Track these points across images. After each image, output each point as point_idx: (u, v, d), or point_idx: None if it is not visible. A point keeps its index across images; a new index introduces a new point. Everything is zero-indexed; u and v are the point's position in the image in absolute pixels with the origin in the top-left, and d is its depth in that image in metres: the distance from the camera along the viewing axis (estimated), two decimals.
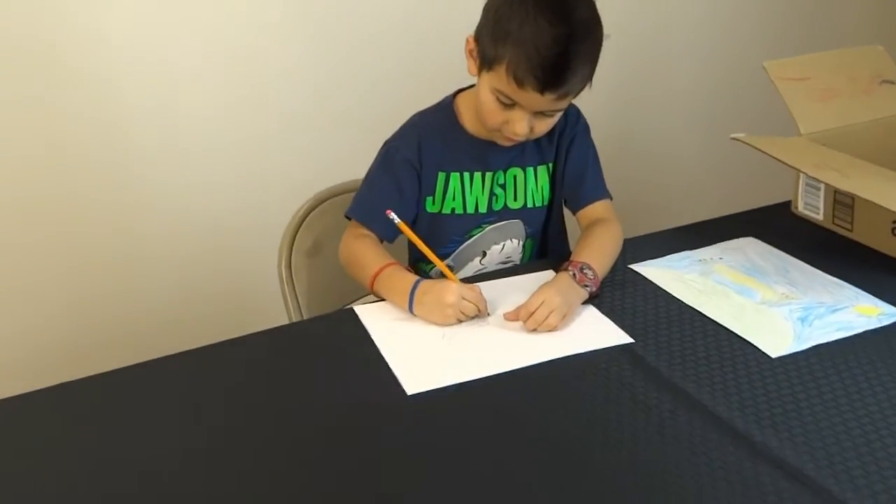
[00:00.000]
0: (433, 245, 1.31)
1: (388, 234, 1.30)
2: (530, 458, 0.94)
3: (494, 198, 1.35)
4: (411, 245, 1.36)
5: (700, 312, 1.25)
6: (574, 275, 1.23)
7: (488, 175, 1.34)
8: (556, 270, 1.27)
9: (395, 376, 1.10)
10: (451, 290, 1.16)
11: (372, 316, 1.23)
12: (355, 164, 1.39)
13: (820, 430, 0.98)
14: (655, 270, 1.35)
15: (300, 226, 1.50)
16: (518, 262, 1.43)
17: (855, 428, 0.98)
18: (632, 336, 1.18)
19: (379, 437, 0.98)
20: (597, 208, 1.39)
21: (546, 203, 1.39)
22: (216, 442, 0.98)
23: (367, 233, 1.30)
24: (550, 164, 1.38)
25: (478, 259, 1.41)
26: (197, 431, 1.00)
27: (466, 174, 1.33)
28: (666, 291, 1.31)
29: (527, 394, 1.06)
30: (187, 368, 1.13)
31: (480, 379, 1.09)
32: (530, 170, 1.37)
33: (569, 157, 1.37)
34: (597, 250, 1.29)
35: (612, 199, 1.40)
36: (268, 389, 1.09)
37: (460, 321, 1.19)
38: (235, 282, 1.99)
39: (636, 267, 1.38)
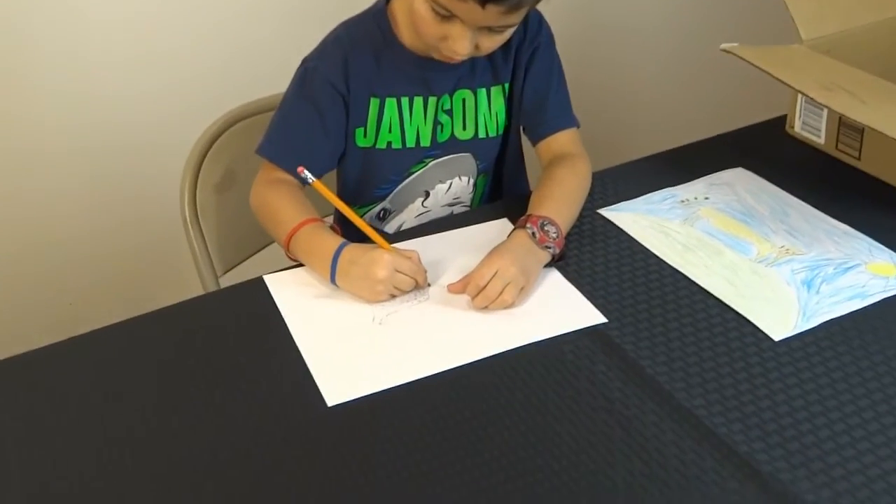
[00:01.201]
0: (366, 186, 1.16)
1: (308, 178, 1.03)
2: (478, 482, 0.77)
3: (439, 127, 1.14)
4: (341, 182, 1.18)
5: (686, 276, 1.04)
6: (534, 234, 1.02)
7: (431, 100, 1.12)
8: (513, 223, 1.07)
9: (314, 380, 0.90)
10: (382, 263, 0.95)
11: (286, 291, 1.01)
12: (281, 76, 1.13)
13: (844, 463, 0.79)
14: (630, 217, 1.15)
15: (206, 153, 1.25)
16: (468, 204, 1.24)
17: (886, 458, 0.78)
18: (604, 313, 0.98)
19: (290, 462, 0.80)
20: (561, 139, 1.17)
21: (501, 132, 1.18)
22: (79, 472, 0.81)
23: (283, 177, 1.08)
24: (506, 85, 1.16)
25: (420, 201, 1.21)
26: (53, 454, 0.83)
27: (405, 100, 1.11)
28: (643, 246, 1.11)
29: (473, 397, 0.87)
30: (55, 362, 0.94)
31: (418, 381, 0.90)
32: (482, 92, 1.15)
33: (528, 75, 1.15)
34: (560, 199, 1.08)
35: (579, 127, 1.18)
36: (146, 398, 0.89)
37: (394, 297, 0.99)
38: (137, 213, 1.75)
39: (607, 212, 1.17)
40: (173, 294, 1.01)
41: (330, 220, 1.22)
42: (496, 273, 0.97)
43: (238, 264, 1.29)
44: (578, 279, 1.05)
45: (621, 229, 1.13)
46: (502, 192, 1.25)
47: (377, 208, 1.19)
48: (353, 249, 0.97)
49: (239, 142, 1.23)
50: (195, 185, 1.23)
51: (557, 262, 1.04)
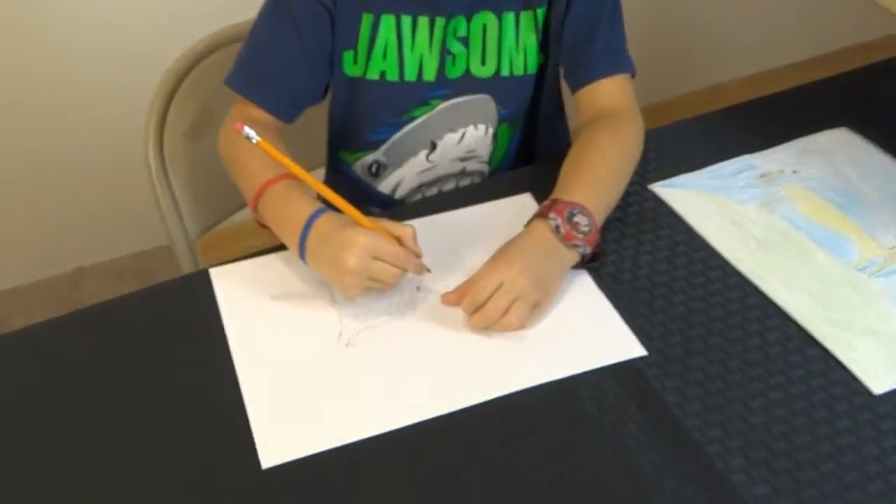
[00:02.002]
0: (355, 128, 1.00)
1: (287, 112, 0.94)
2: None
3: (450, 59, 0.95)
4: (329, 121, 1.03)
5: (758, 288, 0.84)
6: (558, 227, 0.83)
7: (439, 22, 0.94)
8: (540, 201, 0.88)
9: (250, 426, 0.74)
10: (353, 248, 0.78)
11: (234, 291, 0.85)
12: None
13: None
14: (691, 197, 0.94)
15: (175, 91, 1.06)
16: (485, 159, 1.06)
17: None
18: (644, 342, 0.80)
19: None
20: (607, 89, 0.96)
21: (531, 71, 0.98)
22: None
23: (257, 115, 0.93)
24: (540, 12, 0.96)
25: (423, 153, 1.03)
26: None
27: (405, 19, 0.93)
28: (705, 241, 0.89)
29: (452, 460, 0.71)
30: None
31: (385, 434, 0.73)
32: (508, 18, 0.95)
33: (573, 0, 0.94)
34: (597, 177, 0.89)
35: (634, 75, 0.98)
36: (49, 420, 0.75)
37: (377, 289, 0.82)
38: (96, 164, 1.61)
39: (660, 189, 0.96)
40: (142, 262, 0.91)
41: (322, 173, 1.11)
42: (501, 285, 0.79)
43: (215, 225, 1.14)
44: (614, 286, 0.86)
45: (677, 214, 0.93)
46: (535, 152, 1.08)
47: (369, 158, 1.03)
48: (328, 221, 0.80)
49: (215, 76, 1.02)
50: (162, 130, 1.06)
51: (590, 264, 0.86)
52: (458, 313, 0.82)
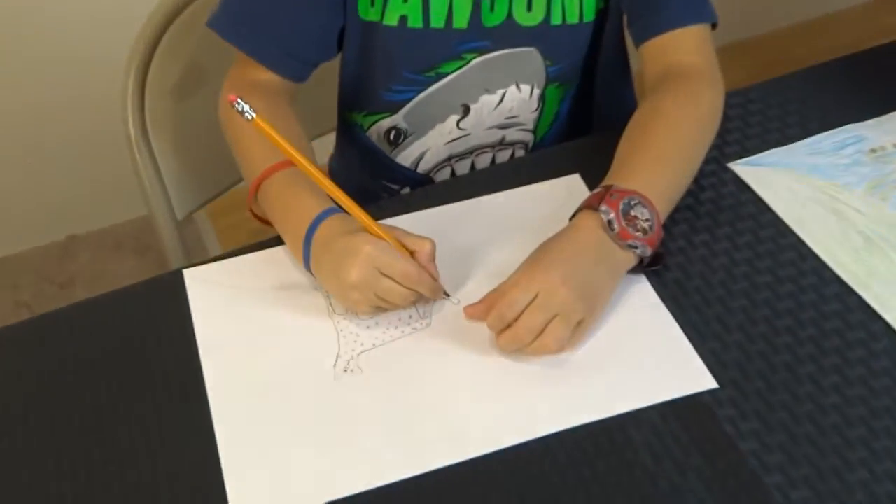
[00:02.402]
0: (369, 85, 0.98)
1: (296, 69, 0.93)
2: None
3: (487, 2, 0.92)
4: (344, 71, 1.00)
5: (863, 301, 0.79)
6: (610, 222, 0.79)
7: None
8: (592, 187, 0.86)
9: (222, 474, 0.72)
10: (358, 258, 0.77)
11: (213, 297, 0.83)
12: None
13: None
14: (780, 178, 0.89)
15: (159, 41, 1.03)
16: (530, 127, 1.03)
17: None
18: (715, 371, 0.75)
19: None
20: (682, 42, 0.91)
21: (588, 19, 0.95)
22: None
23: (261, 77, 0.92)
24: None
25: (453, 120, 1.00)
26: None
27: None
28: (798, 237, 0.84)
29: None
30: None
31: (391, 486, 0.70)
32: None
33: None
34: (664, 156, 0.85)
35: (716, 25, 0.92)
36: None
37: (384, 310, 0.81)
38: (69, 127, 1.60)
39: (742, 168, 0.91)
40: (143, 231, 0.88)
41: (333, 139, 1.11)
42: (536, 297, 0.75)
43: (208, 203, 1.13)
44: (680, 297, 0.81)
45: (763, 201, 0.88)
46: (591, 119, 1.05)
47: (386, 123, 1.01)
48: (333, 224, 0.79)
49: (204, 28, 0.97)
50: (143, 88, 1.03)
51: (650, 268, 0.82)
52: (483, 331, 0.78)
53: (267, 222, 0.86)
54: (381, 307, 0.79)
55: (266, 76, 0.91)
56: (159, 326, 0.81)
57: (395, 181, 1.05)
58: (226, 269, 0.86)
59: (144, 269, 1.61)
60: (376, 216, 0.80)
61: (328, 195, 0.80)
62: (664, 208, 0.82)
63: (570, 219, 0.81)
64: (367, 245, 0.76)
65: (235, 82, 0.91)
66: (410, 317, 0.80)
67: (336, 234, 0.78)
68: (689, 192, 0.87)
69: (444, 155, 1.03)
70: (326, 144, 1.13)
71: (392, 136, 1.02)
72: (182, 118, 1.08)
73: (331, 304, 0.81)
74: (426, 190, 0.95)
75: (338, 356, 0.78)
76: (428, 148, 1.03)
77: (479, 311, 0.78)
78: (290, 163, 0.82)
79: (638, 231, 0.79)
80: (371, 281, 0.76)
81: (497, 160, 1.04)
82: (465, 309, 0.79)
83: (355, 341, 0.79)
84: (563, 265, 0.76)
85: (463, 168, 1.04)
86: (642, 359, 0.76)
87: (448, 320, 0.80)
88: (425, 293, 0.79)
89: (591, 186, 0.87)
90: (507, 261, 0.80)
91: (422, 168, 1.04)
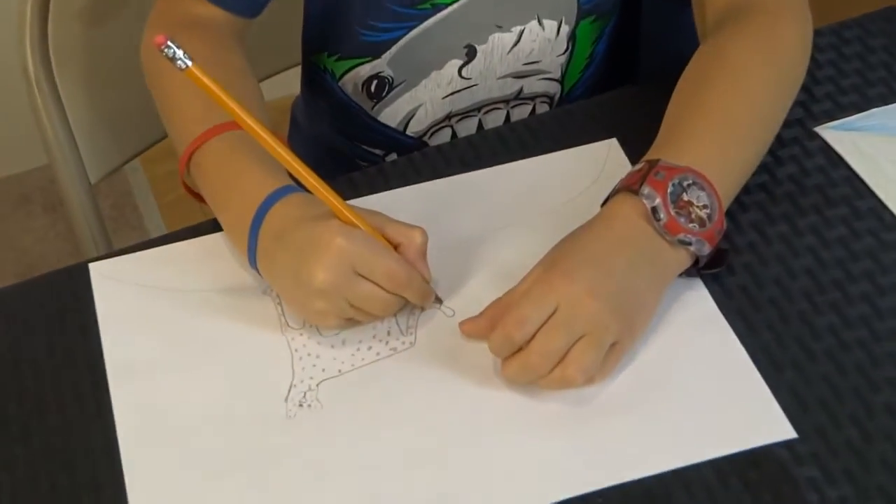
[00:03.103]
0: (343, 22, 1.01)
1: (249, 2, 0.96)
2: None
3: None
4: (305, 16, 1.04)
5: None
6: (655, 210, 0.79)
7: None
8: (634, 160, 0.90)
9: None
10: (328, 253, 0.78)
11: (126, 303, 0.86)
12: None
13: None
14: (884, 148, 0.91)
15: None
16: (557, 76, 1.05)
17: None
18: (795, 417, 0.75)
19: None
20: None
21: None
22: None
23: (198, 8, 0.94)
24: None
25: (454, 66, 1.02)
26: None
27: None
28: None
29: None
30: None
31: None
32: None
33: None
34: (729, 119, 0.86)
35: None
36: None
37: (357, 322, 0.83)
38: None
39: (835, 133, 0.92)
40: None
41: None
42: (554, 312, 0.75)
43: (128, 161, 1.15)
44: (749, 311, 0.81)
45: (860, 179, 0.88)
46: (636, 65, 1.07)
47: (366, 70, 1.02)
48: (292, 207, 0.81)
49: None
50: (46, 10, 1.03)
51: (709, 270, 0.83)
52: (486, 354, 0.78)
53: (204, 200, 0.88)
54: (352, 319, 0.79)
55: (207, 10, 0.93)
56: (58, 335, 0.82)
57: (376, 144, 1.06)
58: (145, 264, 0.87)
59: (55, 236, 1.64)
60: (349, 194, 0.81)
61: (285, 168, 0.81)
62: (728, 190, 0.82)
63: (603, 204, 0.82)
64: (337, 236, 0.76)
65: (165, 17, 0.93)
66: (389, 333, 0.81)
67: (295, 221, 0.79)
68: (763, 167, 0.88)
69: (441, 113, 1.03)
70: (288, 83, 1.14)
71: (373, 88, 1.04)
72: (96, 50, 1.09)
73: (283, 315, 0.82)
74: (416, 158, 0.95)
75: (291, 386, 0.78)
76: (421, 103, 1.04)
77: (480, 327, 0.79)
78: (234, 125, 0.82)
79: (692, 222, 0.79)
80: (342, 284, 0.76)
81: (512, 119, 1.04)
82: (462, 324, 0.80)
83: (315, 366, 0.79)
84: (591, 268, 0.76)
85: (466, 129, 1.04)
86: (695, 396, 0.77)
87: (439, 338, 0.81)
88: (413, 299, 0.79)
89: (632, 157, 0.88)
90: (518, 259, 0.82)
91: (413, 129, 1.04)
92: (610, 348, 0.75)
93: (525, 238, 0.84)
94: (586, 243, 0.78)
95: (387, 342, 0.80)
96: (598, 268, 0.76)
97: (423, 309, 0.81)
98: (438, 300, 0.81)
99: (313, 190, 0.79)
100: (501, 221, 0.87)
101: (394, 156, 1.05)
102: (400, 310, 0.80)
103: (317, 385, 0.77)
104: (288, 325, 0.80)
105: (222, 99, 0.78)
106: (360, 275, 0.77)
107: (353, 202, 0.80)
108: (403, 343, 0.80)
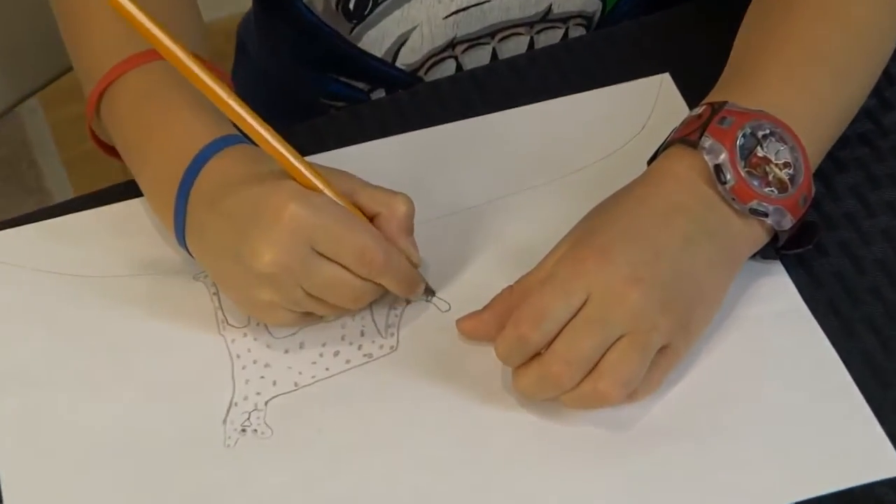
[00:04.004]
0: None
1: None
2: None
3: None
4: None
5: None
6: (718, 168, 0.79)
7: None
8: (693, 104, 0.86)
9: None
10: (279, 227, 0.77)
11: (9, 306, 0.86)
12: None
13: None
14: None
15: None
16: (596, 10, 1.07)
17: None
18: None
19: None
20: None
21: None
22: None
23: None
24: None
25: None
26: None
27: None
28: None
29: None
30: None
31: None
32: None
33: None
34: (818, 47, 0.87)
35: None
36: None
37: (318, 317, 0.83)
38: None
39: None
40: None
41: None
42: (584, 304, 0.74)
43: (22, 101, 1.20)
44: (843, 304, 0.81)
45: None
46: None
47: None
48: (232, 163, 0.81)
49: None
50: None
51: (792, 250, 0.83)
52: (491, 361, 0.77)
53: (118, 155, 0.88)
54: (312, 315, 0.80)
55: None
56: None
57: (356, 76, 1.06)
58: (41, 240, 0.87)
59: None
60: (312, 147, 0.83)
61: (223, 111, 0.81)
62: (819, 143, 0.82)
63: (650, 160, 0.82)
64: (290, 201, 0.75)
65: None
66: (363, 334, 0.81)
67: (236, 182, 0.79)
68: (865, 113, 0.88)
69: (442, 38, 1.04)
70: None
71: (352, 4, 1.04)
72: None
73: (221, 309, 0.82)
74: (403, 98, 0.96)
75: (231, 404, 0.78)
76: (415, 24, 1.04)
77: (484, 325, 0.79)
78: (155, 54, 0.82)
79: (769, 185, 0.79)
80: (296, 267, 0.76)
81: (537, 46, 1.05)
82: (461, 322, 0.80)
83: (263, 378, 0.79)
84: (634, 245, 0.76)
85: (476, 60, 1.05)
86: (772, 420, 0.77)
87: (429, 341, 0.81)
88: (394, 288, 0.79)
89: (690, 98, 0.89)
90: (535, 235, 0.83)
91: (404, 60, 1.06)
92: (658, 353, 0.74)
93: (545, 207, 0.85)
94: (627, 212, 0.77)
95: (360, 346, 0.79)
96: (642, 245, 0.75)
97: (408, 302, 0.81)
98: (429, 290, 0.81)
99: (260, 142, 0.78)
100: (514, 185, 0.88)
101: (382, 93, 1.06)
102: (377, 302, 0.80)
103: (265, 403, 0.77)
104: (227, 322, 0.80)
105: (135, 17, 0.77)
106: (320, 254, 0.76)
107: (315, 158, 0.79)
108: (382, 347, 0.79)
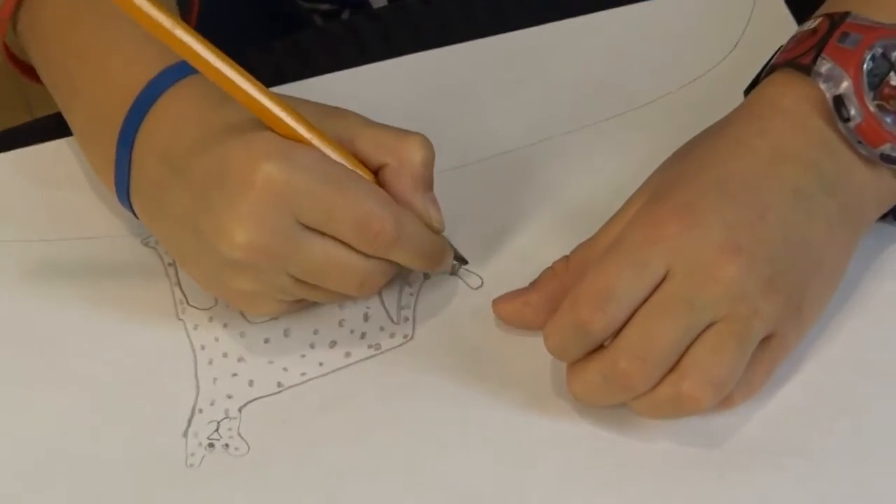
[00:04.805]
0: None
1: None
2: None
3: None
4: None
5: None
6: (838, 99, 0.77)
7: None
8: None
9: None
10: (251, 198, 0.75)
11: None
12: None
13: None
14: None
15: None
16: None
17: None
18: None
19: None
20: None
21: None
22: None
23: None
24: None
25: None
26: None
27: None
28: None
29: None
30: None
31: None
32: None
33: None
34: None
35: None
36: None
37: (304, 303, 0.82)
38: None
39: None
40: None
41: None
42: (665, 279, 0.73)
43: None
44: None
45: None
46: None
47: None
48: (189, 105, 0.80)
49: None
50: None
51: None
52: (539, 354, 0.75)
53: (37, 77, 0.89)
54: (300, 302, 0.79)
55: None
56: None
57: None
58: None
59: None
60: (292, 70, 0.85)
61: (175, 35, 0.78)
62: None
63: (748, 90, 0.81)
64: (265, 160, 0.74)
65: None
66: (367, 318, 0.80)
67: (194, 130, 0.78)
68: None
69: None
70: None
71: None
72: None
73: (179, 285, 0.82)
74: (419, 4, 0.97)
75: (195, 411, 0.77)
76: None
77: (530, 307, 0.78)
78: None
79: None
80: (280, 248, 0.75)
81: None
82: (499, 303, 0.79)
83: (236, 375, 0.78)
84: (728, 201, 0.74)
85: None
86: None
87: (455, 328, 0.80)
88: (411, 263, 0.78)
89: (798, 11, 0.88)
90: (595, 188, 0.83)
91: None
92: (761, 345, 0.72)
93: (608, 152, 0.84)
94: (720, 159, 0.76)
95: (363, 334, 0.78)
96: (741, 202, 0.73)
97: (427, 276, 0.81)
98: (459, 258, 0.79)
99: (210, 73, 0.75)
100: (565, 122, 0.87)
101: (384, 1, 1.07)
102: (383, 285, 0.79)
103: (239, 410, 0.76)
104: (187, 301, 0.80)
105: None
106: (309, 228, 0.74)
107: (295, 88, 0.81)
108: (393, 336, 0.78)
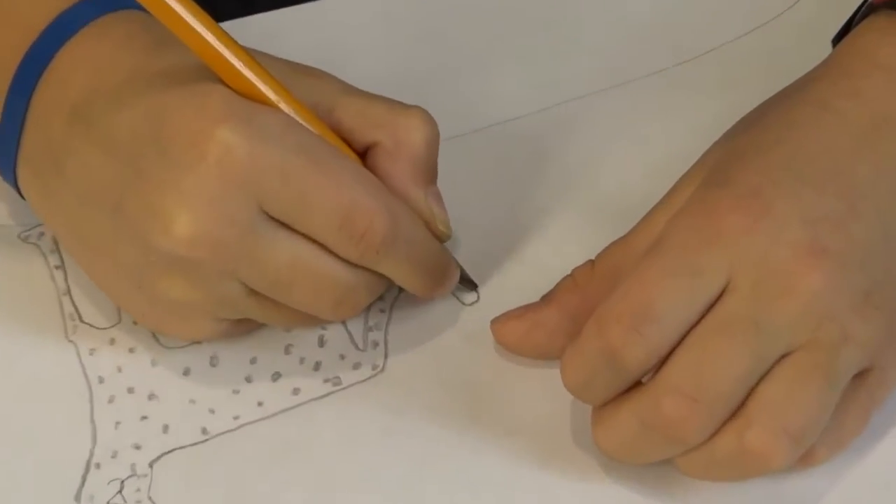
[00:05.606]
0: None
1: None
2: None
3: None
4: None
5: None
6: None
7: None
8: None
9: None
10: (200, 173, 0.72)
11: None
12: None
13: None
14: None
15: None
16: None
17: None
18: None
19: None
20: None
21: None
22: None
23: None
24: None
25: None
26: None
27: None
28: None
29: None
30: None
31: None
32: None
33: None
34: None
35: None
36: None
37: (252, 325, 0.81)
38: None
39: None
40: None
41: None
42: (725, 290, 0.70)
43: None
44: None
45: None
46: None
47: None
48: (110, 52, 0.79)
49: None
50: None
51: None
52: (556, 391, 0.73)
53: None
54: (250, 321, 0.77)
55: None
56: None
57: None
58: None
59: None
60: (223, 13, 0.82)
61: None
62: None
63: (836, 38, 0.80)
64: (222, 124, 0.72)
65: None
66: (323, 342, 0.78)
67: (121, 82, 0.76)
68: None
69: None
70: None
71: None
72: None
73: (69, 295, 0.81)
74: None
75: (90, 465, 0.74)
76: None
77: (543, 328, 0.76)
78: None
79: None
80: (235, 243, 0.72)
81: None
82: (500, 324, 0.77)
83: (146, 418, 0.76)
84: (810, 187, 0.72)
85: None
86: None
87: (440, 357, 0.78)
88: (406, 281, 0.77)
89: None
90: (631, 168, 0.83)
91: None
92: (853, 382, 0.69)
93: (650, 118, 0.84)
94: (799, 129, 0.73)
95: (317, 364, 0.77)
96: (825, 186, 0.71)
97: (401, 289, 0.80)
98: (467, 282, 0.78)
99: (158, 9, 0.72)
100: (592, 79, 0.87)
101: None
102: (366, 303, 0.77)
103: (150, 465, 0.74)
104: (80, 318, 0.78)
105: None
106: (274, 219, 0.72)
107: (228, 28, 0.76)
108: (358, 367, 0.76)
